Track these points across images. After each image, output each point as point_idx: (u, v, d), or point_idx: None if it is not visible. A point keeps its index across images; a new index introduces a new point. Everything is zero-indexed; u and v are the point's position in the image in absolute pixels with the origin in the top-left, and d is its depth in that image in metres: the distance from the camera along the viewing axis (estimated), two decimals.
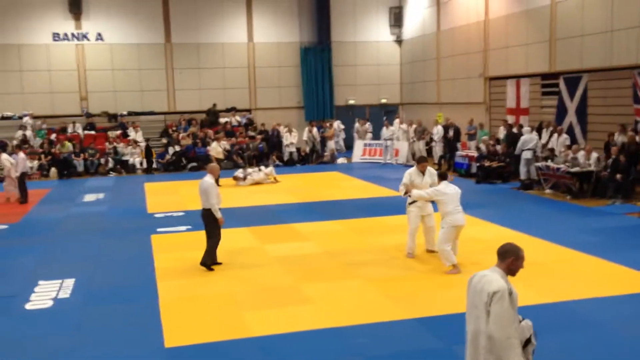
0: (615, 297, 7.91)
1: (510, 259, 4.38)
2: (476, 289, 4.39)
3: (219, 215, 9.62)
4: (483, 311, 4.28)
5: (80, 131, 24.61)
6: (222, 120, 26.31)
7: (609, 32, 16.42)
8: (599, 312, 7.37)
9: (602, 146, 15.78)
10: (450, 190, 9.19)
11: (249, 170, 19.59)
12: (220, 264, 9.88)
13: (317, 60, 28.01)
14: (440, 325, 7.12)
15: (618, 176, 14.11)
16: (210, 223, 9.70)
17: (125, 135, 24.54)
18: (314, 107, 28.07)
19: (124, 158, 23.14)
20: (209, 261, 9.71)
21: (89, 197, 17.29)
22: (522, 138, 17.28)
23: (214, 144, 19.76)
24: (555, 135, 17.24)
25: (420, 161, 10.29)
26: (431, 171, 10.13)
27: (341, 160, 24.38)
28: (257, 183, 18.90)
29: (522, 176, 16.95)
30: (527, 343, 4.40)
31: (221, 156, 19.51)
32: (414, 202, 9.92)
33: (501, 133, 19.83)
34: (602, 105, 16.99)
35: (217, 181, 18.94)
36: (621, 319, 7.15)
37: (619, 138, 15.34)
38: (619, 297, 7.91)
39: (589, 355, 6.20)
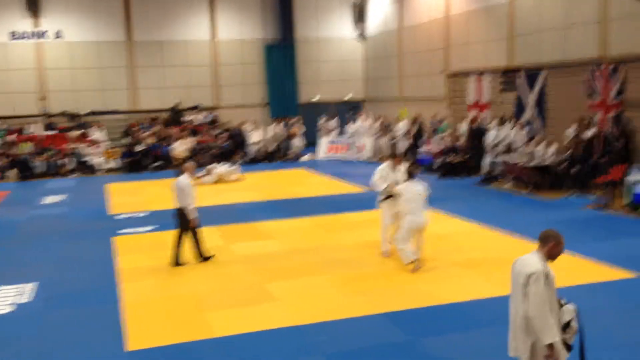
0: (573, 287, 8.10)
1: (551, 244, 4.59)
2: (514, 271, 4.62)
3: (193, 215, 9.71)
4: (520, 293, 4.50)
5: (39, 131, 24.10)
6: (186, 118, 26.09)
7: (565, 28, 16.79)
8: None
9: (560, 140, 16.12)
10: (410, 191, 9.09)
11: (210, 166, 19.40)
12: (183, 264, 9.86)
13: (281, 57, 27.97)
14: (406, 320, 7.22)
15: (575, 169, 14.45)
16: (186, 222, 9.78)
17: (86, 135, 24.13)
18: (279, 105, 28.04)
19: (86, 158, 22.76)
20: (204, 254, 9.94)
21: (50, 199, 16.97)
22: (493, 133, 17.62)
23: (177, 143, 19.58)
24: (515, 129, 17.58)
25: (395, 156, 10.22)
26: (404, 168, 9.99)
27: (306, 157, 24.41)
28: (221, 180, 18.85)
29: (486, 169, 17.26)
30: (566, 326, 4.55)
31: (184, 155, 19.35)
32: (386, 198, 9.84)
33: (462, 128, 20.12)
34: (560, 100, 17.36)
35: None
36: (580, 309, 7.32)
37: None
38: (577, 286, 8.12)
39: None
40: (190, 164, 10.41)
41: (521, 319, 4.50)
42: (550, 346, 4.38)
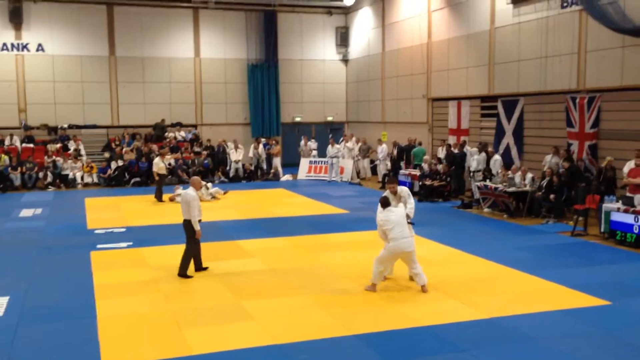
0: (547, 313, 8.23)
1: None
2: None
3: (197, 227, 10.08)
4: None
5: (17, 144, 23.87)
6: (169, 135, 26.05)
7: (543, 58, 17.18)
8: (532, 328, 7.64)
9: (537, 167, 16.40)
10: (393, 217, 8.95)
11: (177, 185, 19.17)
12: (206, 268, 10.43)
13: (264, 77, 28.14)
14: (381, 342, 7.24)
15: (551, 196, 14.69)
16: (192, 233, 10.12)
17: (65, 148, 23.96)
18: (261, 124, 28.16)
19: (64, 172, 22.56)
20: (184, 271, 10.11)
21: (26, 212, 16.78)
22: (476, 158, 17.94)
23: (157, 160, 19.49)
24: (495, 155, 17.88)
25: (389, 182, 9.90)
26: (404, 191, 9.73)
27: (286, 177, 24.47)
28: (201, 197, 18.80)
29: (477, 195, 17.12)
30: None
31: (164, 172, 19.26)
32: None
33: (440, 153, 20.38)
34: (537, 128, 17.71)
35: (160, 196, 18.81)
36: (553, 334, 7.44)
37: (552, 160, 16.00)
38: (551, 312, 8.24)
39: None
40: (196, 178, 10.72)
41: None
42: None
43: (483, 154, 18.51)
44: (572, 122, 16.12)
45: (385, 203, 9.14)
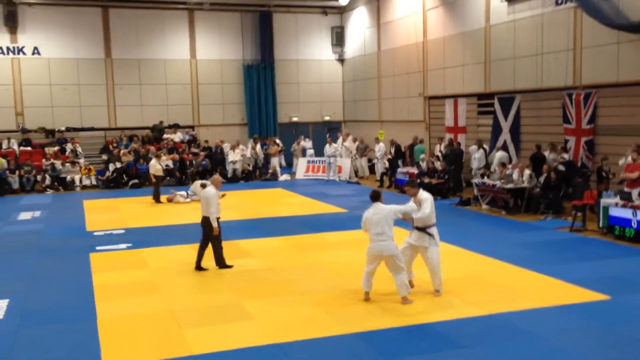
0: (546, 309, 8.25)
1: None
2: None
3: (215, 224, 10.32)
4: None
5: (15, 147, 23.85)
6: (166, 136, 26.04)
7: (539, 55, 17.21)
8: (532, 323, 7.65)
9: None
10: (375, 217, 8.40)
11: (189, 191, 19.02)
12: (205, 269, 10.47)
13: (260, 77, 28.15)
14: (380, 339, 7.26)
15: (550, 192, 14.71)
16: (209, 230, 10.37)
17: (63, 151, 23.94)
18: (258, 124, 28.17)
19: (62, 175, 22.53)
20: (222, 263, 10.55)
21: (25, 215, 16.77)
22: (476, 157, 18.09)
23: (153, 161, 19.47)
24: (494, 152, 17.94)
25: (407, 185, 9.39)
26: (423, 195, 9.10)
27: (285, 177, 24.47)
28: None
29: (475, 192, 17.04)
30: None
31: (160, 173, 19.25)
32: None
33: (438, 150, 20.40)
34: (534, 125, 17.74)
35: (158, 198, 18.79)
36: (553, 330, 7.46)
37: (550, 156, 16.04)
38: (550, 308, 8.25)
39: None
40: (217, 177, 11.03)
41: None
42: None
43: (481, 151, 18.59)
44: (569, 118, 16.16)
45: (375, 197, 8.61)
